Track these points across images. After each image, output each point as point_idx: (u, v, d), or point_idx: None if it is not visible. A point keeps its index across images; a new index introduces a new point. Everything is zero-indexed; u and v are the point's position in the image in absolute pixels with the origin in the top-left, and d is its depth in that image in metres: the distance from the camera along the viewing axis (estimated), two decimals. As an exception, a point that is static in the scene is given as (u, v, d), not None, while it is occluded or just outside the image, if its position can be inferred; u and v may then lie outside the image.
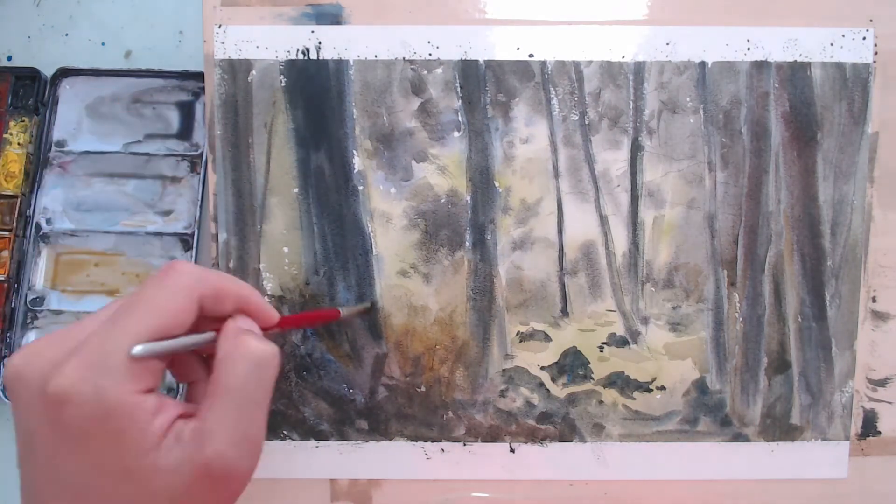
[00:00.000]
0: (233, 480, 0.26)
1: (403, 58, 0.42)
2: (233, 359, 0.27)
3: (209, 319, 0.28)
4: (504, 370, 0.43)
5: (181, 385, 0.45)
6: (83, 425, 0.24)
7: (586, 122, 0.42)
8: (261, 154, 0.42)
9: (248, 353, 0.27)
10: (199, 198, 0.45)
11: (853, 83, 0.42)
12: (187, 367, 0.31)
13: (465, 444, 0.43)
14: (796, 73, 0.42)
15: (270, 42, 0.42)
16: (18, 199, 0.45)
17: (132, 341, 0.25)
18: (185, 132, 0.46)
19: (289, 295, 0.42)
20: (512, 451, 0.43)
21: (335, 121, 0.42)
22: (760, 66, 0.42)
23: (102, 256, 0.46)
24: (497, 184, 0.42)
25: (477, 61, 0.42)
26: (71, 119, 0.46)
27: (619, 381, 0.43)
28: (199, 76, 0.45)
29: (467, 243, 0.42)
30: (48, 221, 0.45)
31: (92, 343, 0.25)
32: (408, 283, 0.42)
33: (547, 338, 0.43)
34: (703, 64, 0.42)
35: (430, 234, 0.42)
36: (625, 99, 0.42)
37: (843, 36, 0.42)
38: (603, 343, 0.43)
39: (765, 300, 0.42)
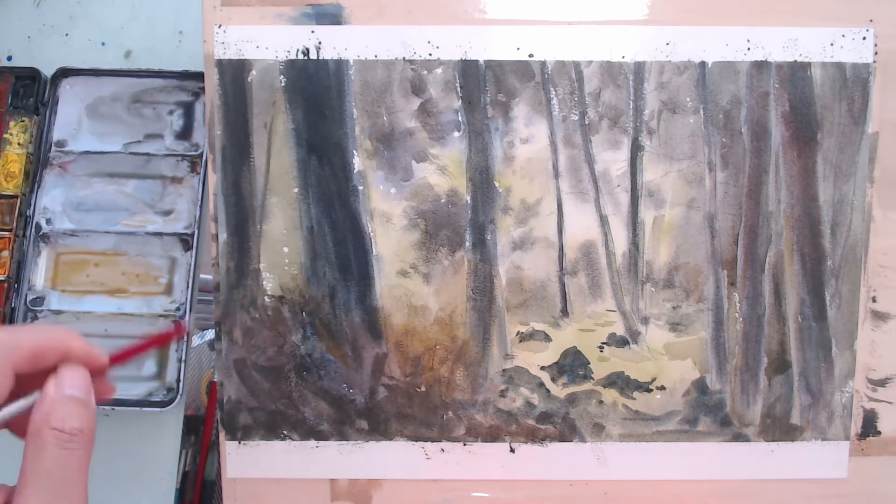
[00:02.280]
0: None
1: (403, 58, 0.42)
2: (40, 442, 0.26)
3: (33, 376, 0.27)
4: (504, 370, 0.43)
5: (181, 383, 0.45)
6: None
7: (586, 122, 0.42)
8: (261, 154, 0.42)
9: (54, 437, 0.26)
10: (199, 198, 0.45)
11: (853, 83, 0.42)
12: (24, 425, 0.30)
13: (465, 444, 0.43)
14: (796, 73, 0.42)
15: (270, 42, 0.42)
16: (18, 199, 0.45)
17: None
18: (185, 132, 0.46)
19: (289, 295, 0.42)
20: (512, 451, 0.43)
21: (335, 121, 0.42)
22: (760, 66, 0.42)
23: (102, 256, 0.46)
24: (497, 184, 0.42)
25: (477, 61, 0.42)
26: (71, 119, 0.46)
27: (619, 381, 0.43)
28: (199, 76, 0.45)
29: (467, 243, 0.42)
30: (48, 221, 0.45)
31: None
32: (408, 283, 0.42)
33: (547, 338, 0.43)
34: (703, 64, 0.42)
35: (430, 234, 0.42)
36: (625, 99, 0.42)
37: (843, 36, 0.42)
38: (603, 343, 0.43)
39: (765, 300, 0.42)
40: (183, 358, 0.45)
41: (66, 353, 0.28)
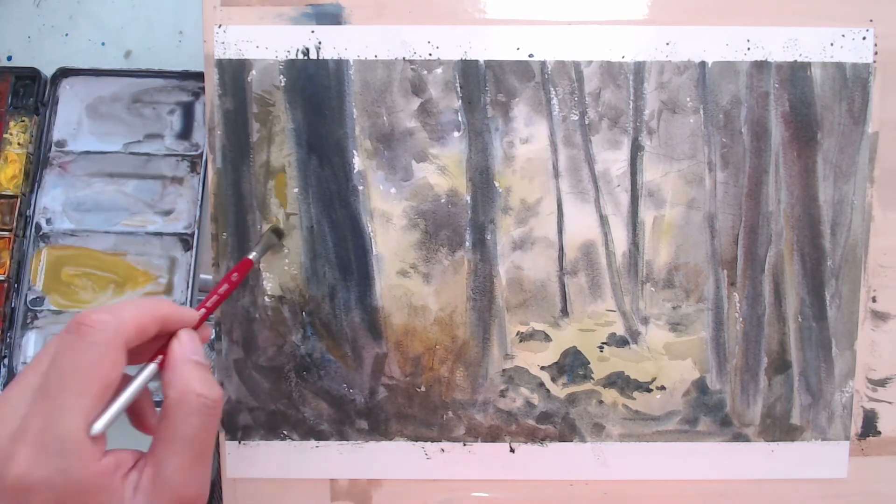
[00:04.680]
0: None
1: (403, 58, 0.42)
2: (186, 409, 0.27)
3: (138, 350, 0.29)
4: (504, 370, 0.43)
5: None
6: None
7: (586, 122, 0.42)
8: (261, 154, 0.42)
9: (201, 403, 0.27)
10: (199, 198, 0.45)
11: (853, 83, 0.42)
12: (140, 414, 0.31)
13: (465, 444, 0.43)
14: (796, 73, 0.42)
15: (270, 42, 0.42)
16: (18, 199, 0.45)
17: (80, 419, 0.25)
18: (185, 132, 0.46)
19: (289, 295, 0.42)
20: (512, 451, 0.43)
21: (335, 121, 0.42)
22: (760, 66, 0.42)
23: (102, 256, 0.46)
24: (497, 184, 0.42)
25: (477, 61, 0.42)
26: (71, 119, 0.46)
27: (619, 381, 0.43)
28: (199, 76, 0.45)
29: (467, 243, 0.42)
30: (48, 221, 0.45)
31: (35, 425, 0.25)
32: (408, 283, 0.42)
33: (547, 338, 0.43)
34: (703, 64, 0.42)
35: (430, 234, 0.42)
36: (625, 99, 0.42)
37: (843, 36, 0.42)
38: (603, 343, 0.43)
39: (765, 300, 0.42)
40: (183, 358, 0.45)
41: (165, 320, 0.29)
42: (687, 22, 0.42)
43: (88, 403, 0.26)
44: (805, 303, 0.43)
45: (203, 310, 0.33)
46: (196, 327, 0.31)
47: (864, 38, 0.42)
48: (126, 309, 0.28)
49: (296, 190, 0.42)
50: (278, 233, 0.42)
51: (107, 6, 0.47)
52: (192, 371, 0.28)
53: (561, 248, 0.42)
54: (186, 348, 0.29)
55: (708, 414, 0.43)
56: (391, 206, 0.42)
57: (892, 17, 0.42)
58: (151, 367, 0.29)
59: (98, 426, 0.26)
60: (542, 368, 0.43)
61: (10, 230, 0.45)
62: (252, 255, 0.39)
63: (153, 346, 0.30)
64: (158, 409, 0.29)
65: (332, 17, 0.42)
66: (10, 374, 0.44)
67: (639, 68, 0.42)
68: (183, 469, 0.27)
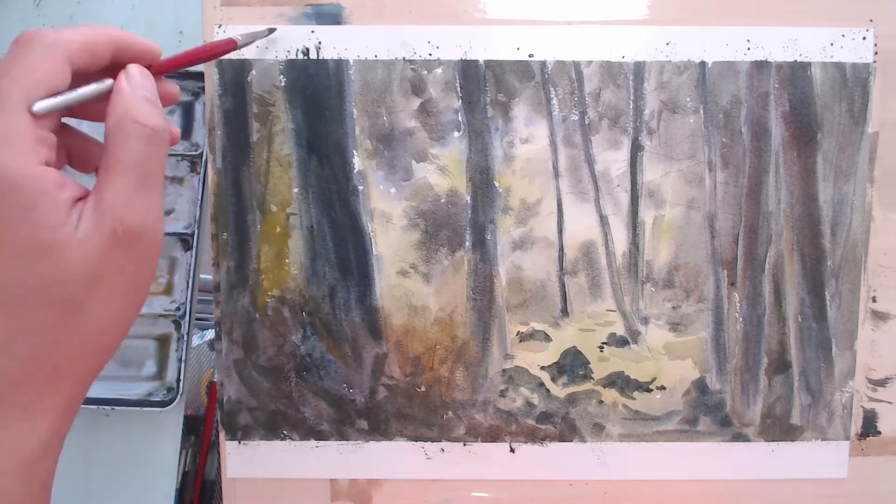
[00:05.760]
0: (141, 240, 0.26)
1: (403, 58, 0.42)
2: (126, 134, 0.26)
3: (91, 75, 0.28)
4: (504, 370, 0.43)
5: (181, 383, 0.45)
6: None
7: (586, 122, 0.42)
8: (261, 153, 0.42)
9: (141, 129, 0.26)
10: (199, 198, 0.45)
11: (853, 83, 0.42)
12: (84, 151, 0.30)
13: (465, 444, 0.43)
14: (796, 73, 0.42)
15: (270, 42, 0.42)
16: (18, 199, 0.45)
17: (22, 106, 0.24)
18: (185, 132, 0.46)
19: (289, 295, 0.42)
20: (512, 451, 0.43)
21: (335, 121, 0.42)
22: (760, 66, 0.42)
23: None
24: (497, 184, 0.42)
25: (477, 61, 0.42)
26: (71, 119, 0.46)
27: (619, 381, 0.43)
28: (199, 76, 0.45)
29: (467, 243, 0.42)
30: (48, 221, 0.45)
31: None
32: (408, 283, 0.42)
33: (547, 338, 0.43)
34: (703, 64, 0.42)
35: (430, 234, 0.42)
36: (625, 99, 0.42)
37: (843, 36, 0.42)
38: (603, 343, 0.43)
39: (765, 300, 0.42)
40: (183, 358, 0.45)
41: (122, 47, 0.28)
42: (687, 22, 0.42)
43: (29, 94, 0.25)
44: (805, 303, 0.43)
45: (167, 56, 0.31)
46: (157, 72, 0.30)
47: (864, 38, 0.42)
48: (74, 27, 0.27)
49: (296, 190, 0.42)
50: (270, 30, 0.41)
51: (107, 6, 0.47)
52: (134, 101, 0.27)
53: (561, 248, 0.42)
54: (134, 82, 0.28)
55: (708, 414, 0.43)
56: (391, 206, 0.42)
57: (892, 17, 0.42)
58: (107, 81, 0.28)
59: (38, 105, 0.25)
60: (542, 368, 0.43)
61: (10, 230, 0.44)
62: (238, 38, 0.37)
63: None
64: None
65: (332, 17, 0.42)
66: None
67: (639, 68, 0.42)
68: (122, 194, 0.26)
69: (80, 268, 0.25)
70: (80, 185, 0.27)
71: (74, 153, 0.31)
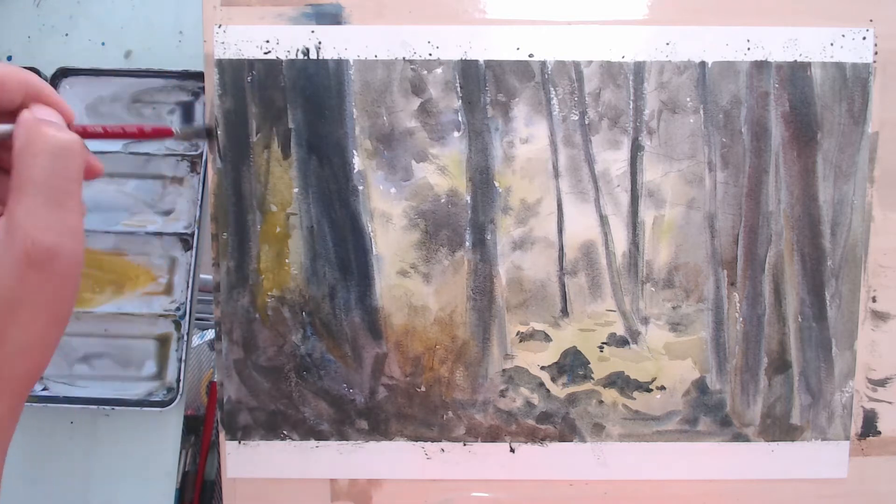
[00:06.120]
0: (58, 260, 0.26)
1: (403, 58, 0.42)
2: (32, 150, 0.26)
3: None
4: (504, 370, 0.43)
5: (181, 383, 0.45)
6: None
7: (586, 122, 0.42)
8: (260, 153, 0.42)
9: (48, 144, 0.26)
10: (199, 198, 0.45)
11: (853, 83, 0.42)
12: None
13: (465, 444, 0.43)
14: (796, 72, 0.42)
15: (270, 42, 0.42)
16: (18, 199, 0.45)
17: None
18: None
19: (289, 295, 0.42)
20: (512, 451, 0.43)
21: (335, 121, 0.42)
22: (760, 66, 0.42)
23: (102, 256, 0.46)
24: (497, 184, 0.42)
25: (477, 61, 0.42)
26: (71, 119, 0.46)
27: (619, 381, 0.43)
28: (199, 76, 0.45)
29: (467, 243, 0.42)
30: (48, 221, 0.45)
31: None
32: (408, 283, 0.42)
33: (547, 338, 0.43)
34: (703, 64, 0.42)
35: (430, 234, 0.42)
36: (625, 99, 0.42)
37: (843, 36, 0.42)
38: (603, 343, 0.43)
39: (765, 300, 0.42)
40: (183, 358, 0.45)
41: (36, 92, 0.28)
42: (687, 22, 0.42)
43: None
44: (805, 303, 0.43)
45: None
46: (71, 128, 0.29)
47: (864, 38, 0.42)
48: None
49: (296, 190, 0.42)
50: (210, 133, 0.41)
51: (107, 6, 0.47)
52: (40, 122, 0.26)
53: (561, 248, 0.42)
54: (39, 111, 0.27)
55: (708, 414, 0.43)
56: (391, 206, 0.42)
57: (892, 17, 0.42)
58: (6, 127, 0.27)
59: None
60: (542, 368, 0.43)
61: (10, 230, 0.44)
62: (176, 130, 0.36)
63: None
64: None
65: (332, 17, 0.42)
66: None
67: (639, 68, 0.42)
68: (33, 213, 0.25)
69: None
70: None
71: None
